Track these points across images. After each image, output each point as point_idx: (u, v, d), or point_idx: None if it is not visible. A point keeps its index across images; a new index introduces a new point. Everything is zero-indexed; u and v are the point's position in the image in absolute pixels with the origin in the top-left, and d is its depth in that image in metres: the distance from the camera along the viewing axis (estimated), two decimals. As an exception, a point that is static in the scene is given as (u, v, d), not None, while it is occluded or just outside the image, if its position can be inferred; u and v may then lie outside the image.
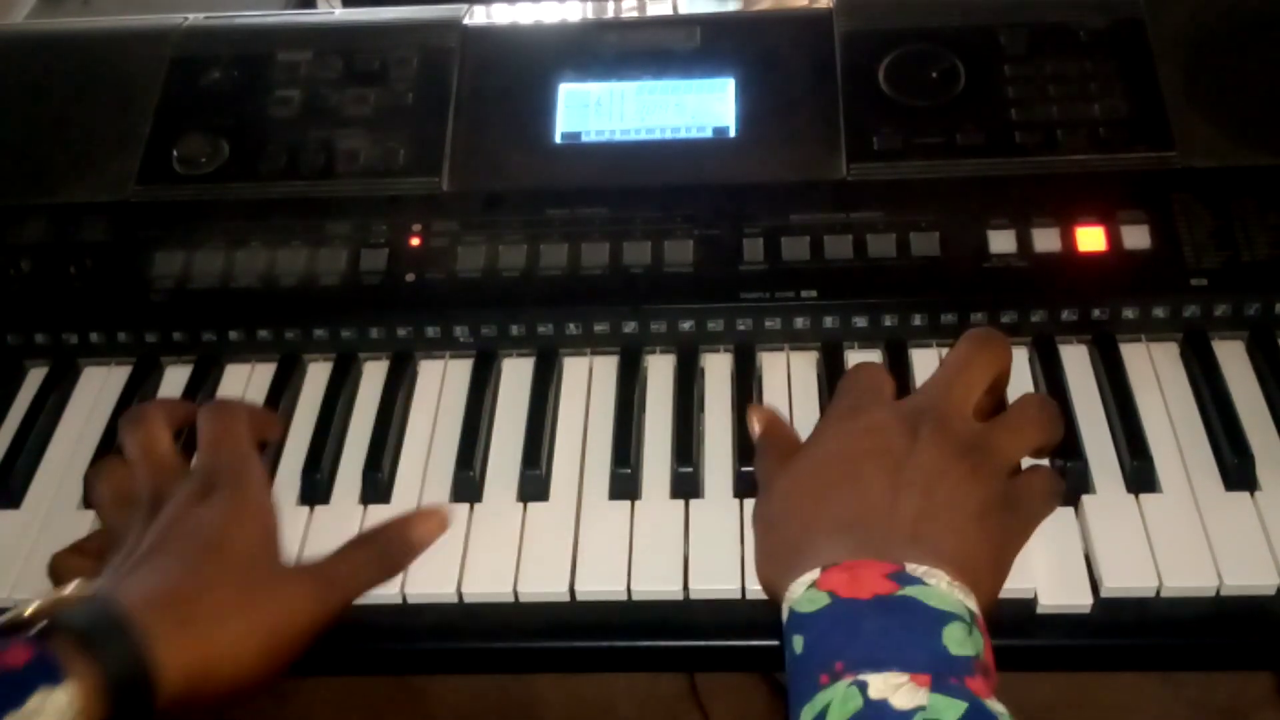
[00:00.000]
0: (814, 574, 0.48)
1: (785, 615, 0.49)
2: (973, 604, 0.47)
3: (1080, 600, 0.57)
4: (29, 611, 0.48)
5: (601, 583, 0.59)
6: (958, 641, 0.45)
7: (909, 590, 0.47)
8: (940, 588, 0.47)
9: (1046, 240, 0.67)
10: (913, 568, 0.48)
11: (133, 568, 0.52)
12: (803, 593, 0.48)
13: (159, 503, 0.56)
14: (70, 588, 0.51)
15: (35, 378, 0.72)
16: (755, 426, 0.61)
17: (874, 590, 0.47)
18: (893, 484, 0.52)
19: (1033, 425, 0.57)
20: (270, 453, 0.66)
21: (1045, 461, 0.61)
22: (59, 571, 0.59)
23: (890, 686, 0.44)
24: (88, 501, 0.65)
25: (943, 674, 0.44)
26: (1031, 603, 0.57)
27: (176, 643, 0.48)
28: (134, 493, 0.59)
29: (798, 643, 0.47)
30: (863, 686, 0.44)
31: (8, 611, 0.49)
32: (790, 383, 0.68)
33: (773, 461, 0.58)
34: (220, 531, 0.54)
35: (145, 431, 0.61)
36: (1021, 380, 0.66)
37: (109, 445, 0.67)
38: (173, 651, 0.47)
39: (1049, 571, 0.58)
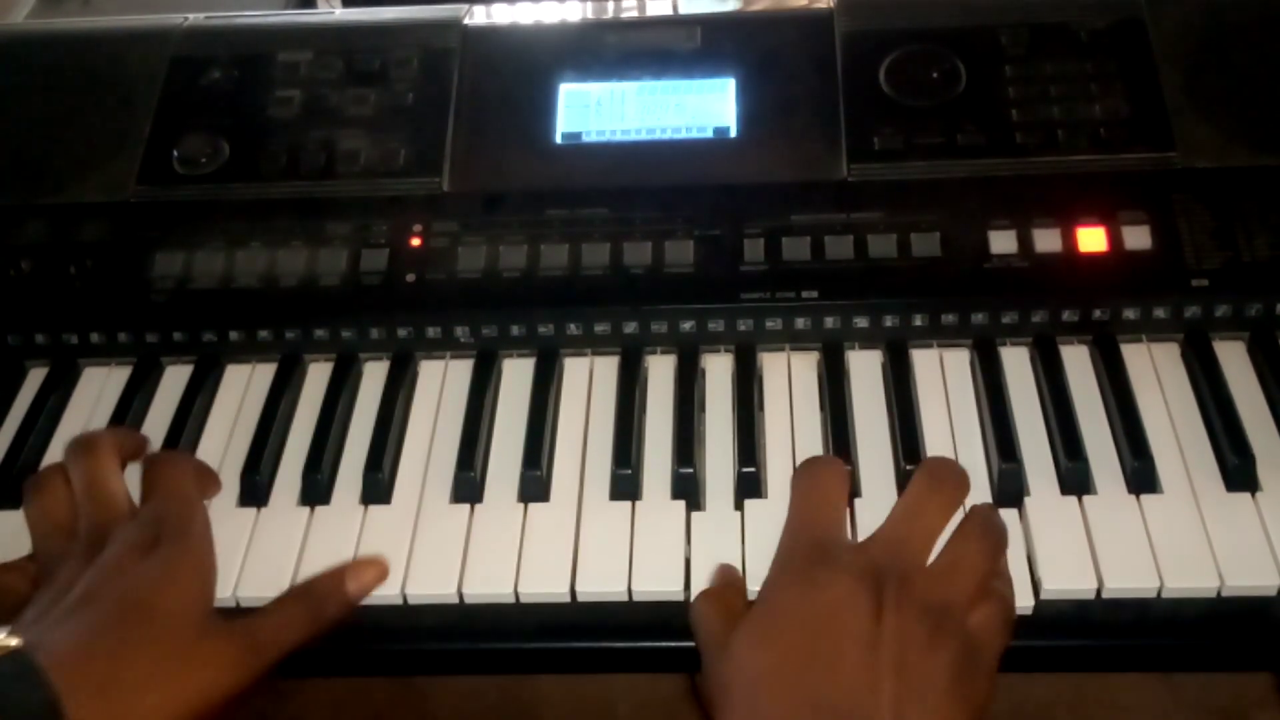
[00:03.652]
0: None
1: None
2: None
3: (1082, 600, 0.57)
4: None
5: (602, 583, 0.59)
6: None
7: None
8: None
9: (1047, 241, 0.67)
10: None
11: (60, 619, 0.50)
12: None
13: (98, 543, 0.55)
14: None
15: (35, 378, 0.72)
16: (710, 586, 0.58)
17: None
18: (867, 666, 0.49)
19: (980, 556, 0.55)
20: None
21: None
22: None
23: None
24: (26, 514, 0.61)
25: None
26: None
27: (90, 708, 0.47)
28: (72, 524, 0.57)
29: None
30: None
31: None
32: (791, 383, 0.68)
33: (721, 620, 0.54)
34: (156, 591, 0.52)
35: (95, 462, 0.59)
36: (1023, 381, 0.67)
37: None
38: (85, 717, 0.47)
39: (1050, 572, 0.58)
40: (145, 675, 0.49)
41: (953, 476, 0.59)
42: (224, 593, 0.60)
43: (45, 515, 0.59)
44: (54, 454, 0.68)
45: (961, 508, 0.59)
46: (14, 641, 0.47)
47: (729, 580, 0.58)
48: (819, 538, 0.55)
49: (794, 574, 0.54)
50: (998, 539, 0.57)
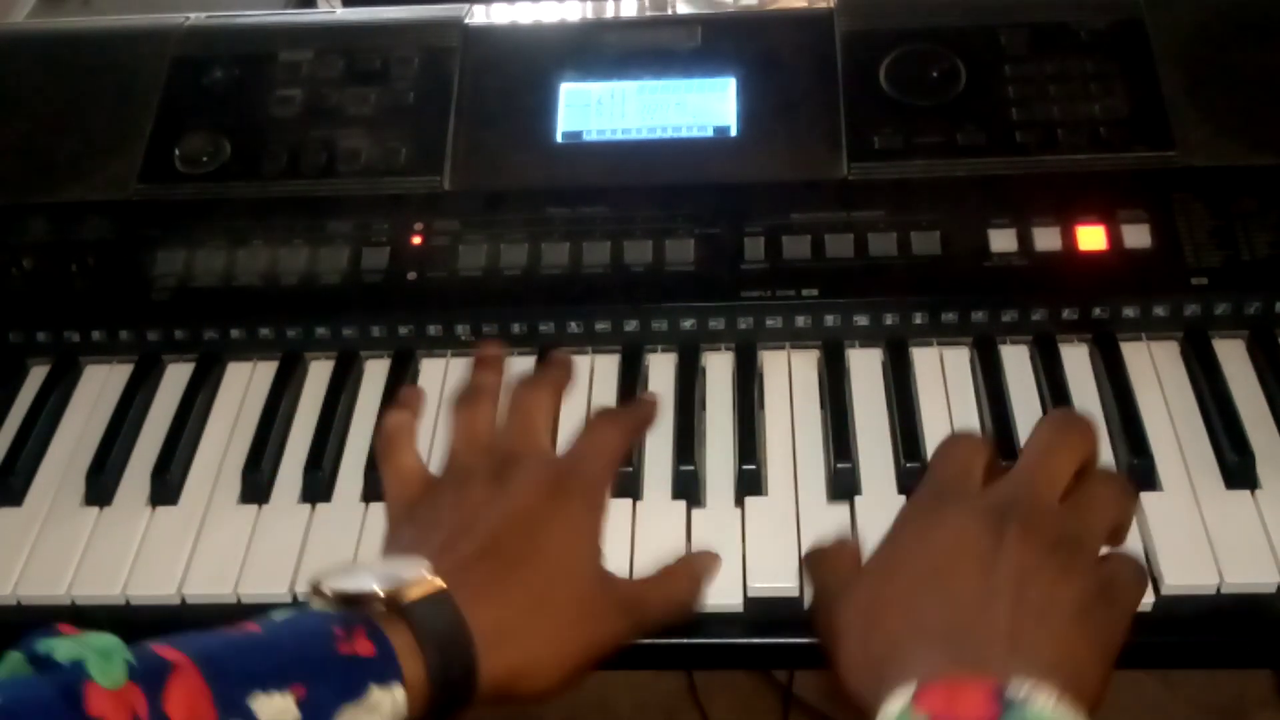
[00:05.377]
0: (909, 690, 0.44)
1: None
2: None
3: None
4: (384, 591, 0.47)
5: (603, 581, 0.59)
6: None
7: (1012, 716, 0.43)
8: (1046, 710, 0.43)
9: (1047, 239, 0.68)
10: (1016, 685, 0.44)
11: (472, 560, 0.51)
12: (898, 713, 0.44)
13: (511, 467, 0.55)
14: (421, 574, 0.48)
15: (37, 376, 0.72)
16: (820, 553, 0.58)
17: (975, 714, 0.43)
18: (983, 589, 0.48)
19: (1111, 502, 0.54)
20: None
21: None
22: (391, 450, 0.59)
23: None
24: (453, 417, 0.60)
25: None
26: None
27: (501, 659, 0.48)
28: (490, 440, 0.58)
29: None
30: None
31: (352, 573, 0.49)
32: (791, 382, 0.68)
33: (837, 571, 0.55)
34: (566, 548, 0.53)
35: (532, 395, 0.60)
36: (1023, 379, 0.67)
37: (110, 444, 0.67)
38: (495, 666, 0.48)
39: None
40: (553, 633, 0.50)
41: (1080, 424, 0.57)
42: (224, 589, 0.61)
43: (469, 424, 0.59)
44: (56, 452, 0.69)
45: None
46: (438, 581, 0.48)
47: (845, 544, 0.57)
48: (944, 486, 0.54)
49: (916, 516, 0.54)
50: (1125, 487, 0.55)
